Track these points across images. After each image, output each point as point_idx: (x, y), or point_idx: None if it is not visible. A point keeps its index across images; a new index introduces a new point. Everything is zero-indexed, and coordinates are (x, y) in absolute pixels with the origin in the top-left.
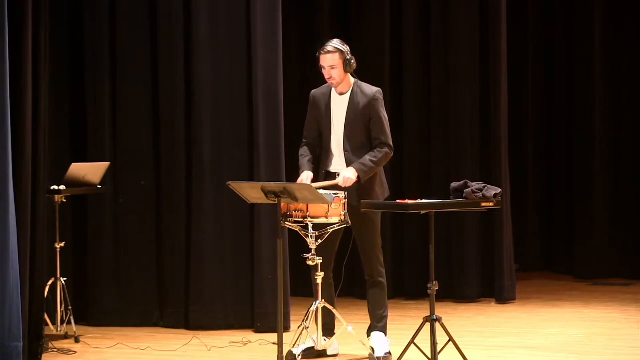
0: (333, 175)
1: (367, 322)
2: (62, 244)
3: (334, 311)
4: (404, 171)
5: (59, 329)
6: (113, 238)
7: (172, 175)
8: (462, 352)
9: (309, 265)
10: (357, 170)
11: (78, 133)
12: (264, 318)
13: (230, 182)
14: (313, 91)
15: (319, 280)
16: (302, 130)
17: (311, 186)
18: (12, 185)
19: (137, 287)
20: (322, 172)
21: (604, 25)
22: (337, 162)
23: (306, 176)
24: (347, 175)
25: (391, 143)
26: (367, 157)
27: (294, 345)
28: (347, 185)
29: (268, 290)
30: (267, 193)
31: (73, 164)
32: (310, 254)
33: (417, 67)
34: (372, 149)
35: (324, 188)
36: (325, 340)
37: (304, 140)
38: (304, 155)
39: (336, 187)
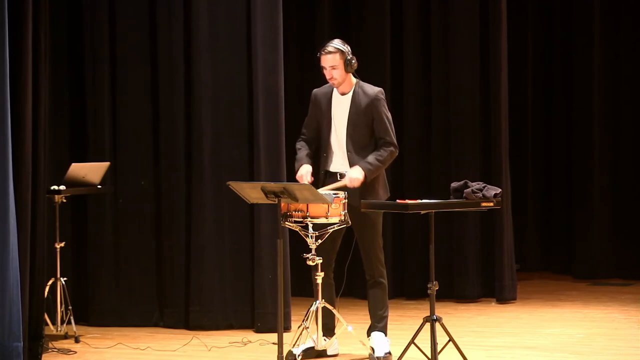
0: (334, 175)
1: (367, 322)
2: (62, 244)
3: (334, 311)
4: (404, 171)
5: (59, 329)
6: (113, 238)
7: (172, 176)
8: (462, 352)
9: (309, 265)
10: (363, 169)
11: (78, 133)
12: (264, 318)
13: (230, 182)
14: (315, 90)
15: (319, 280)
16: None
17: (311, 186)
18: (12, 185)
19: (137, 287)
20: (322, 172)
21: (603, 25)
22: (339, 162)
23: (305, 170)
24: (353, 175)
25: (396, 142)
26: (373, 156)
27: (294, 345)
28: (354, 185)
29: (268, 291)
30: (267, 193)
31: (73, 164)
32: (310, 254)
33: (417, 67)
34: (376, 148)
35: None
36: (325, 340)
37: (301, 136)
38: (302, 148)
39: (344, 188)
